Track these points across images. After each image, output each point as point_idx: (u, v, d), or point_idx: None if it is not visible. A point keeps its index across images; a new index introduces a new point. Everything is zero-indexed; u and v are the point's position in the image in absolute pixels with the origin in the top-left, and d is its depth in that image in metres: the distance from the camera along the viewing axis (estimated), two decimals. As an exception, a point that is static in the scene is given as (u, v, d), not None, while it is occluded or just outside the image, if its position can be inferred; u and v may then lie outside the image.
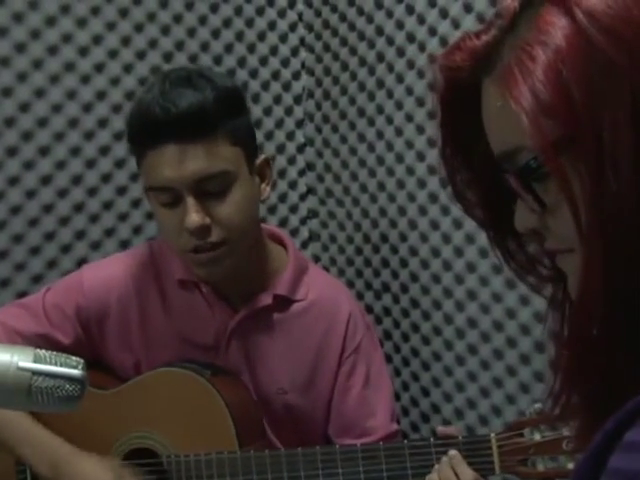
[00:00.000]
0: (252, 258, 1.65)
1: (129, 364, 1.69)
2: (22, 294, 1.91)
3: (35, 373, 0.93)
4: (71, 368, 0.95)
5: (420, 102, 1.97)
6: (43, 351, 0.95)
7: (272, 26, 2.25)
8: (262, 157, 1.65)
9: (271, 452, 1.57)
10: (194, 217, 1.51)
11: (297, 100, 2.29)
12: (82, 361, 0.97)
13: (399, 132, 2.03)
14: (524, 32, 0.71)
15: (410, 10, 1.97)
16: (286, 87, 2.28)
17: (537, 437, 1.40)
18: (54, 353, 0.95)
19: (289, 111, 2.28)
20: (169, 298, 1.69)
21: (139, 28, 2.08)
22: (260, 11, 2.23)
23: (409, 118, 2.00)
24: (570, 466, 1.38)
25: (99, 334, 1.68)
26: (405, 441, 1.52)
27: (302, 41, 2.28)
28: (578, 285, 0.71)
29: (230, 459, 1.56)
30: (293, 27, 2.27)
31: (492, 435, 1.44)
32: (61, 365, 0.94)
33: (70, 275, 1.76)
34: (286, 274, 1.69)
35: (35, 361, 0.93)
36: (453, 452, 1.43)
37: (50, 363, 0.94)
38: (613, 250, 0.67)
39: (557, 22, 0.69)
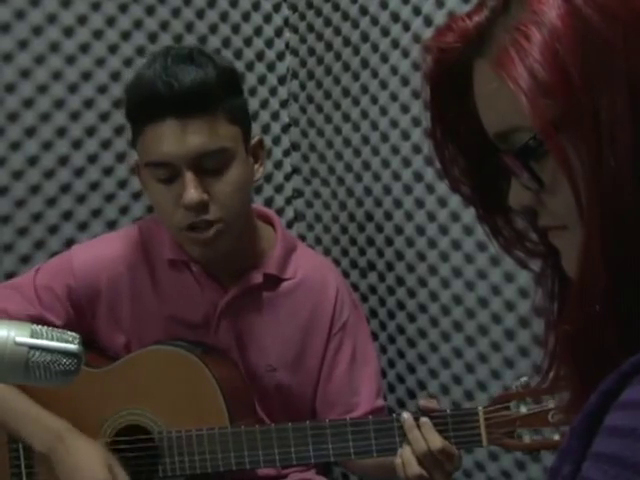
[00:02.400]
0: (243, 237, 1.66)
1: (120, 343, 1.70)
2: (10, 275, 1.92)
3: (32, 348, 0.94)
4: (67, 343, 0.96)
5: (405, 81, 1.98)
6: (40, 326, 0.97)
7: (256, 7, 2.25)
8: (256, 138, 1.67)
9: (261, 427, 1.58)
10: (193, 193, 1.52)
11: (281, 80, 2.30)
12: (78, 336, 0.98)
13: (384, 112, 2.04)
14: (517, 13, 0.72)
15: (394, -10, 1.98)
16: (270, 67, 2.28)
17: (523, 410, 1.42)
18: (50, 328, 0.97)
19: (273, 91, 2.29)
20: (159, 278, 1.70)
21: (124, 8, 2.08)
22: (244, -9, 2.24)
23: (394, 97, 2.01)
24: (556, 437, 1.41)
25: (90, 314, 1.69)
26: (393, 415, 1.54)
27: (286, 21, 2.28)
28: (578, 262, 0.72)
29: (221, 435, 1.58)
30: (277, 8, 2.27)
31: (479, 408, 1.46)
32: (57, 340, 0.96)
33: (60, 255, 1.77)
34: (275, 253, 1.71)
35: (32, 336, 0.95)
36: (423, 419, 1.46)
37: (47, 338, 0.95)
38: (612, 226, 0.69)
39: (551, 2, 0.70)
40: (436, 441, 1.45)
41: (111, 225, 2.07)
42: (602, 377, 0.69)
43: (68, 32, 2.02)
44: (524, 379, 1.44)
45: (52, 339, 0.96)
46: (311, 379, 1.73)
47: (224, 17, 2.21)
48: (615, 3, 0.69)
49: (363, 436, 1.52)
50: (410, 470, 1.45)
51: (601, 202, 0.69)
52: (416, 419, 1.48)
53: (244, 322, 1.69)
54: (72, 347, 0.96)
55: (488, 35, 0.74)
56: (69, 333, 0.98)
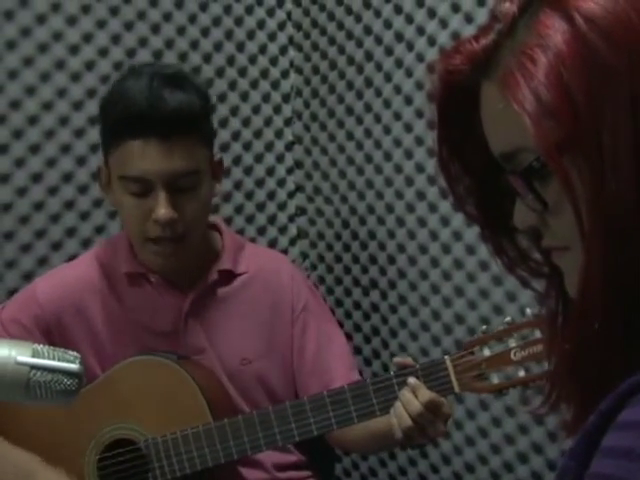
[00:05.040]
0: (198, 246, 1.72)
1: (94, 363, 1.72)
2: (12, 292, 1.91)
3: (33, 367, 0.94)
4: (69, 362, 0.97)
5: (408, 101, 1.99)
6: (41, 346, 0.97)
7: (261, 25, 2.26)
8: (217, 157, 1.74)
9: (244, 416, 1.61)
10: (166, 210, 1.59)
11: (286, 98, 2.30)
12: (79, 355, 0.98)
13: (387, 131, 2.05)
14: (524, 36, 0.73)
15: (398, 10, 1.98)
16: (275, 85, 2.29)
17: (487, 353, 1.48)
18: (52, 348, 0.97)
19: (278, 109, 2.30)
20: (121, 294, 1.73)
21: (129, 26, 2.09)
22: (249, 10, 2.24)
23: (397, 117, 2.02)
24: (521, 374, 1.45)
25: (62, 340, 1.70)
26: (367, 380, 1.57)
27: (291, 40, 2.29)
28: (578, 282, 0.72)
29: (205, 431, 1.60)
30: (282, 26, 2.28)
31: (446, 357, 1.51)
32: (59, 359, 0.96)
33: (23, 290, 1.79)
34: (225, 252, 1.77)
35: (33, 355, 0.95)
36: (411, 379, 1.50)
37: (48, 357, 0.95)
38: (613, 248, 0.69)
39: (557, 26, 0.71)
40: (425, 394, 1.48)
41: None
42: (604, 397, 0.69)
43: (42, 48, 2.01)
44: (484, 327, 1.49)
45: (53, 359, 0.96)
46: (287, 364, 1.77)
47: (229, 35, 2.22)
48: (620, 29, 0.69)
49: (342, 405, 1.56)
50: (404, 423, 1.48)
51: (602, 224, 0.69)
52: (403, 383, 1.51)
53: (210, 321, 1.74)
54: (73, 367, 0.97)
55: (495, 58, 0.75)
56: (70, 353, 0.98)
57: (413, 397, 1.48)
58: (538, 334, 1.43)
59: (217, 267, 1.74)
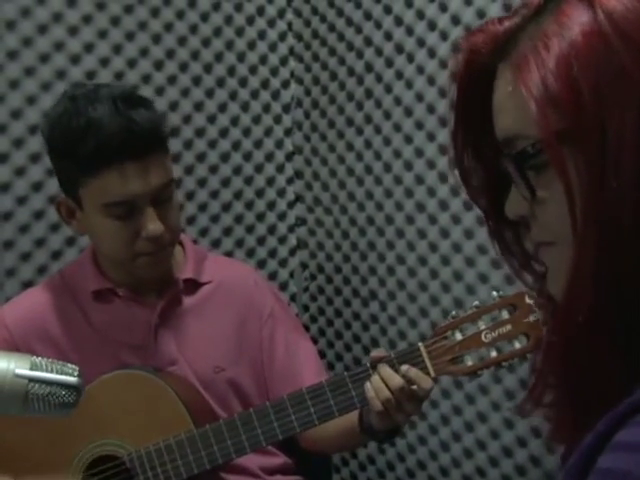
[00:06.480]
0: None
1: None
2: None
3: (32, 380, 0.94)
4: (67, 375, 0.96)
5: (408, 112, 1.99)
6: (40, 358, 0.96)
7: (262, 35, 2.26)
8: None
9: (225, 420, 1.61)
10: (156, 226, 1.60)
11: (286, 109, 2.31)
12: (78, 368, 0.98)
13: (387, 142, 2.05)
14: (545, 23, 0.73)
15: (398, 21, 1.99)
16: (275, 96, 2.29)
17: (458, 336, 1.50)
18: (50, 360, 0.97)
19: (278, 119, 2.30)
20: (90, 312, 1.73)
21: (130, 37, 2.09)
22: (250, 20, 2.25)
23: (397, 128, 2.02)
24: (493, 354, 1.48)
25: None
26: (345, 373, 1.57)
27: (291, 50, 2.30)
28: (566, 279, 0.72)
29: (188, 438, 1.60)
30: (283, 37, 2.29)
31: (420, 344, 1.52)
32: (57, 372, 0.96)
33: None
34: (188, 263, 1.78)
35: (32, 368, 0.94)
36: (380, 365, 1.51)
37: (46, 370, 0.95)
38: (606, 246, 0.69)
39: (577, 17, 0.71)
40: (393, 378, 1.48)
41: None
42: (597, 403, 0.69)
43: (44, 58, 2.01)
44: (453, 312, 1.51)
45: (52, 371, 0.95)
46: (258, 371, 1.78)
47: (230, 45, 2.22)
48: (638, 30, 0.69)
49: (321, 399, 1.56)
50: (383, 395, 1.48)
51: (598, 221, 0.69)
52: (373, 367, 1.52)
53: (180, 332, 1.74)
54: (72, 379, 0.96)
55: (514, 41, 0.75)
56: (69, 365, 0.98)
57: (381, 381, 1.49)
58: (505, 315, 1.46)
59: (181, 277, 1.75)
